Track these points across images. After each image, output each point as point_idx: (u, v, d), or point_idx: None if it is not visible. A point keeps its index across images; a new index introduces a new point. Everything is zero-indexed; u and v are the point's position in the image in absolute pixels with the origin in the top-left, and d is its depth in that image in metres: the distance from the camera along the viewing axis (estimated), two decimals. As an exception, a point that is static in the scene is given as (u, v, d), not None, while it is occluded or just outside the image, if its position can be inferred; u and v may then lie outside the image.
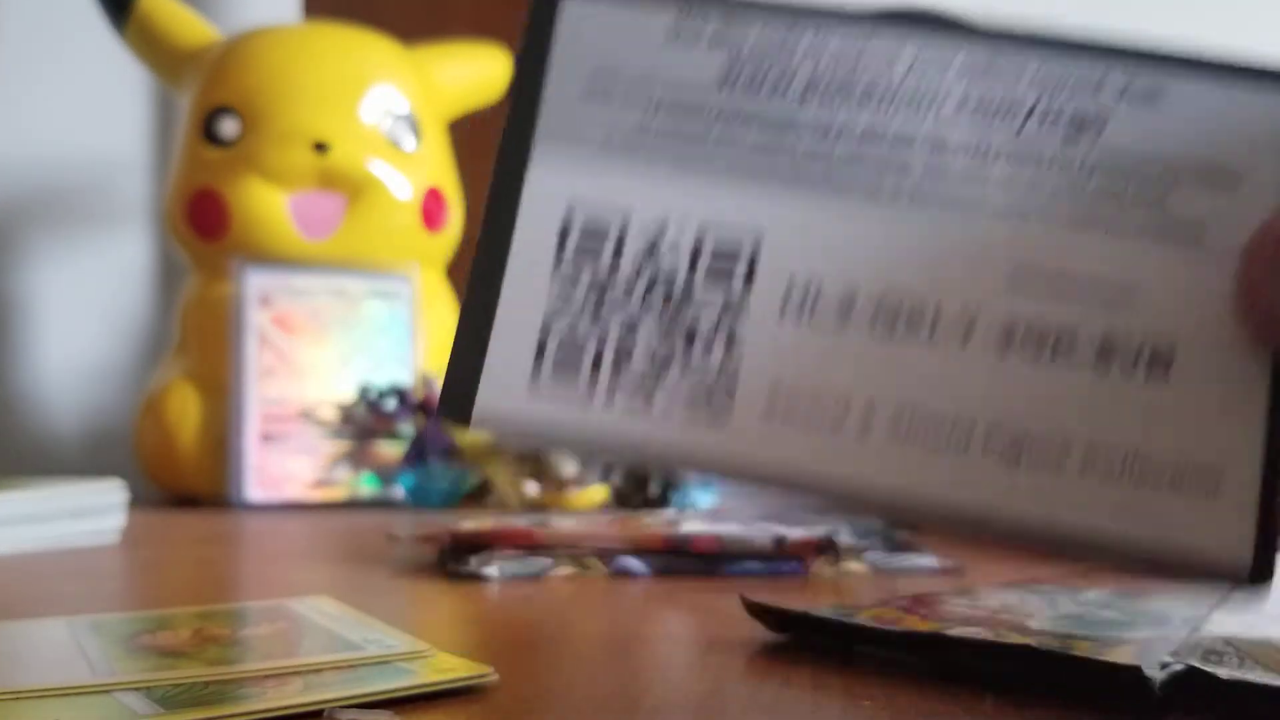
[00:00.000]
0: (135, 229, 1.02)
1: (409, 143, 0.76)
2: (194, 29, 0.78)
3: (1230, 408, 0.17)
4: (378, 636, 0.25)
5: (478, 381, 0.20)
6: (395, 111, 0.76)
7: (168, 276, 1.02)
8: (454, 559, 0.38)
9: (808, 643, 0.26)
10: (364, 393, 0.71)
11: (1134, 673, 0.20)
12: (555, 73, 0.21)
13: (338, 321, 0.72)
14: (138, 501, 0.67)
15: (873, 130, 0.19)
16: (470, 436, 0.73)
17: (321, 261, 0.73)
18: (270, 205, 0.72)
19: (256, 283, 0.70)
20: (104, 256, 1.00)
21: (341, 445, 0.70)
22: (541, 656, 0.26)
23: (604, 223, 0.19)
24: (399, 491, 0.69)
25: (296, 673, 0.22)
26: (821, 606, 0.26)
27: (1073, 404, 0.17)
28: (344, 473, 0.70)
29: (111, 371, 0.99)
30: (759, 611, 0.27)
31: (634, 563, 0.37)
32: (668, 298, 0.19)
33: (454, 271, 0.84)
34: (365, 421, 0.71)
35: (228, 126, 0.73)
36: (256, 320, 0.69)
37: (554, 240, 0.19)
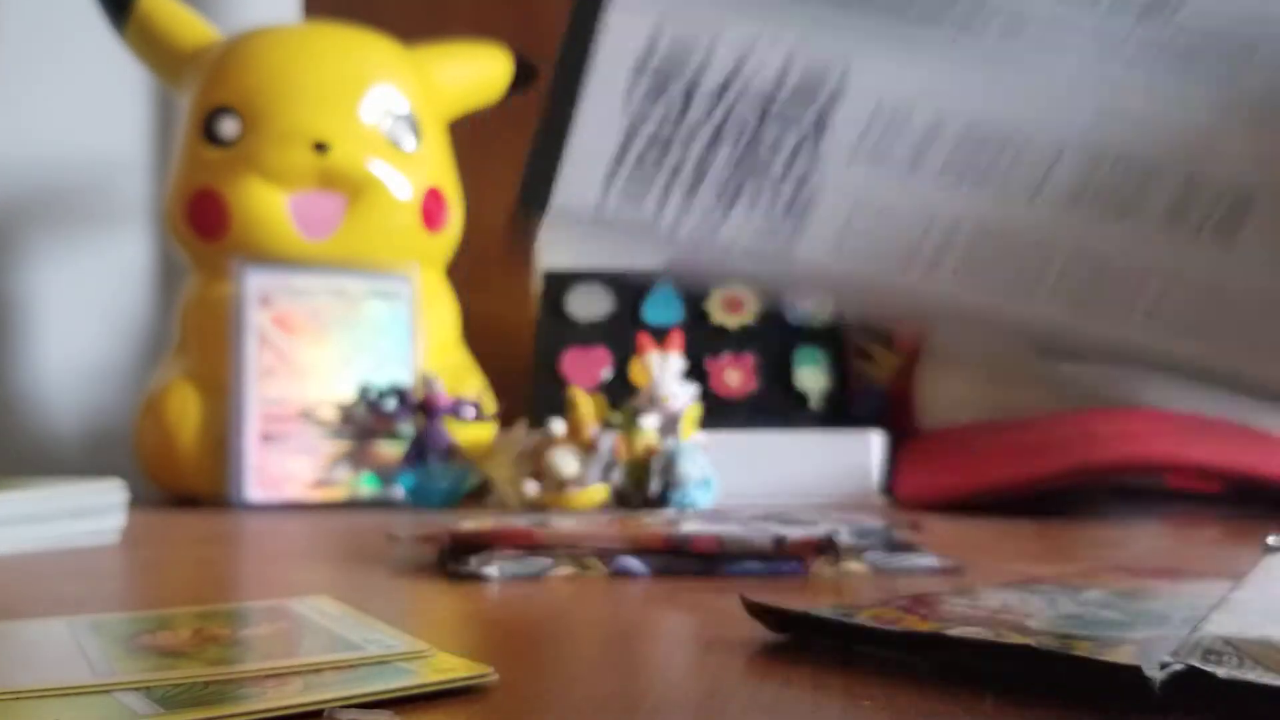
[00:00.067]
0: (135, 229, 1.02)
1: (409, 143, 0.76)
2: (194, 29, 0.78)
3: None
4: (378, 636, 0.25)
5: (558, 175, 0.20)
6: (395, 111, 0.76)
7: (168, 276, 1.02)
8: (454, 559, 0.38)
9: (808, 643, 0.26)
10: (364, 393, 0.71)
11: (1134, 673, 0.20)
12: None
13: (338, 321, 0.72)
14: (138, 501, 0.67)
15: None
16: (470, 437, 0.73)
17: (321, 261, 0.73)
18: (270, 205, 0.72)
19: (256, 283, 0.70)
20: (104, 256, 1.00)
21: (341, 445, 0.70)
22: (541, 656, 0.26)
23: (691, 38, 0.19)
24: (399, 491, 0.69)
25: (296, 673, 0.22)
26: (821, 606, 0.26)
27: (1150, 244, 0.18)
28: (344, 473, 0.70)
29: (112, 371, 0.99)
30: (759, 611, 0.27)
31: (634, 563, 0.37)
32: (751, 115, 0.19)
33: (453, 271, 0.84)
34: (365, 421, 0.71)
35: (228, 126, 0.73)
36: (256, 320, 0.69)
37: (641, 49, 0.19)
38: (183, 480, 0.71)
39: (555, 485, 0.61)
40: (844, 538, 0.36)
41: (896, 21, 0.19)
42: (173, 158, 0.77)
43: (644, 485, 0.60)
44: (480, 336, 0.86)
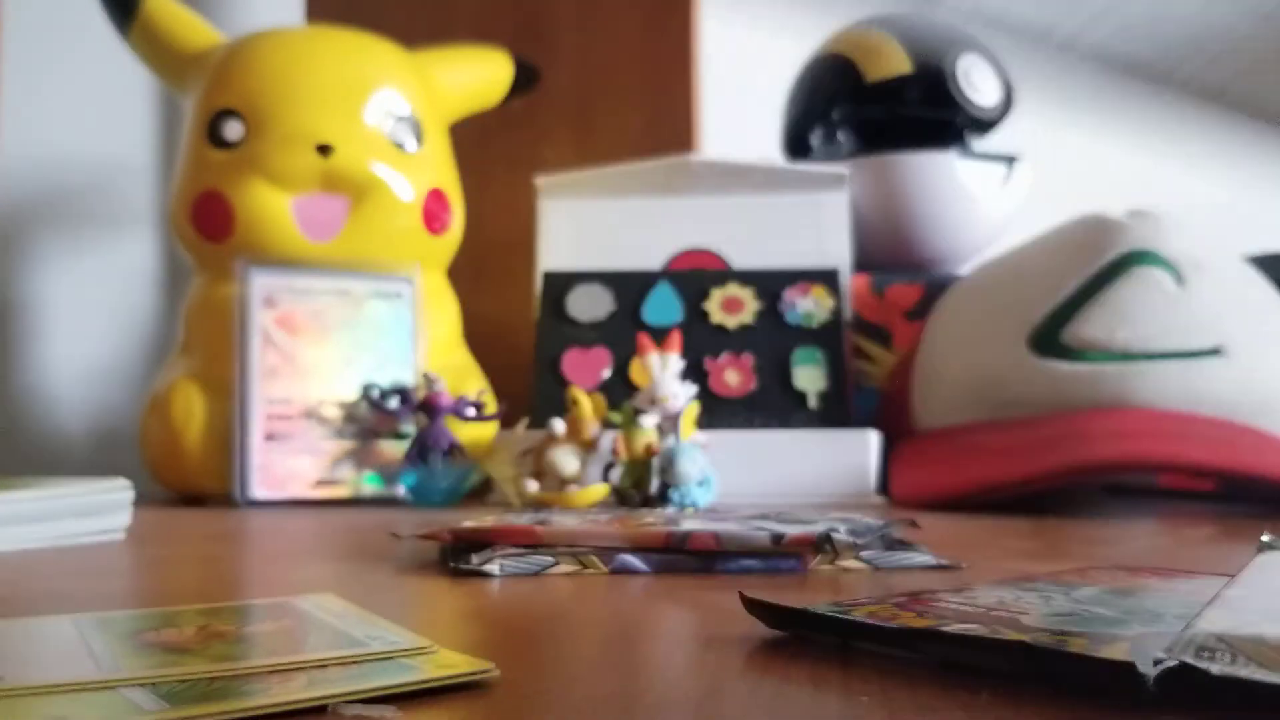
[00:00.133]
0: (141, 231, 1.03)
1: (411, 145, 0.76)
2: (197, 32, 0.78)
3: None
4: (381, 633, 0.25)
5: None
6: (398, 114, 0.76)
7: (173, 278, 1.02)
8: (456, 556, 0.38)
9: (806, 639, 0.26)
10: (367, 392, 0.71)
11: (1128, 669, 0.20)
12: None
13: (341, 322, 0.72)
14: (144, 500, 0.68)
15: None
16: (471, 436, 0.73)
17: (325, 262, 0.73)
18: (274, 207, 0.72)
19: (260, 284, 0.70)
20: (110, 258, 1.01)
21: (344, 444, 0.70)
22: (543, 652, 0.26)
23: None
24: (401, 490, 0.69)
25: (301, 669, 0.22)
26: (819, 603, 0.26)
27: None
28: (347, 471, 0.70)
29: (118, 371, 0.99)
30: (757, 608, 0.27)
31: (634, 560, 0.37)
32: None
33: (455, 272, 0.84)
34: (368, 421, 0.71)
35: (232, 129, 0.73)
36: (261, 320, 0.69)
37: None
38: (188, 479, 0.71)
39: (556, 484, 0.62)
40: (841, 535, 0.36)
41: None
42: (177, 160, 0.77)
43: (644, 484, 0.60)
44: (481, 336, 0.86)
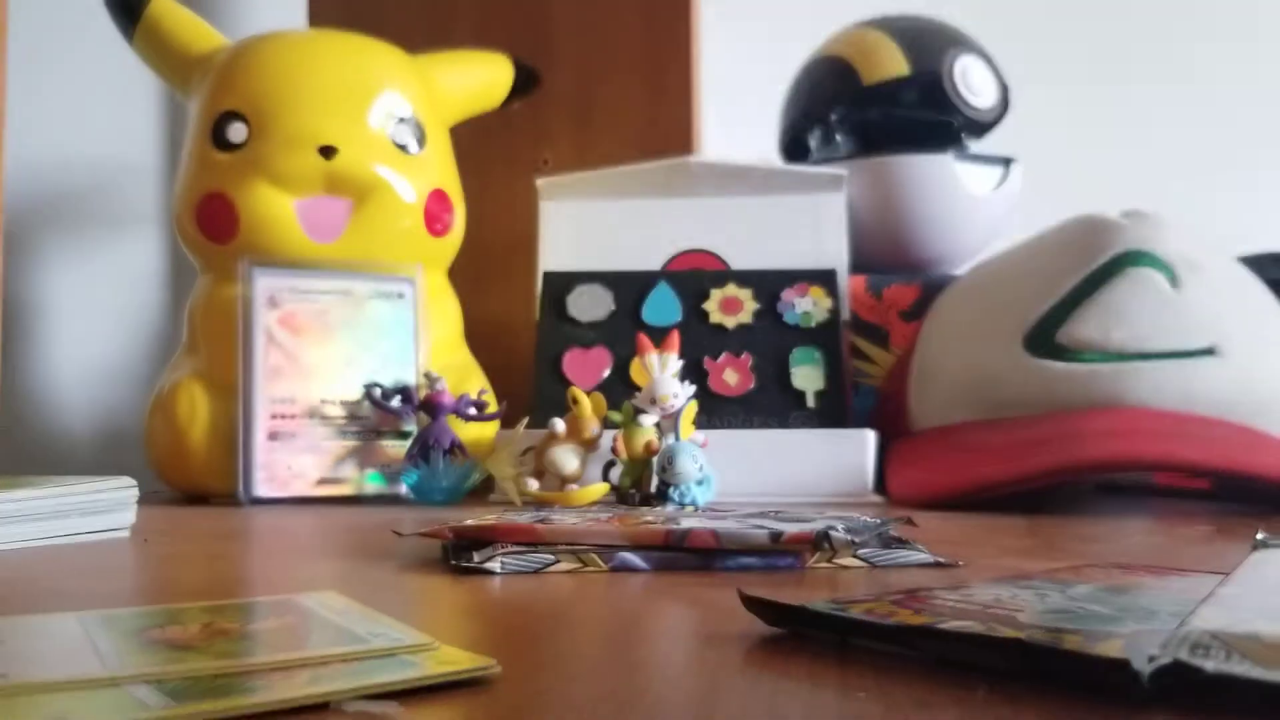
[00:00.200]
0: (145, 232, 1.03)
1: (413, 147, 0.77)
2: (202, 35, 0.79)
3: None
4: (383, 630, 0.25)
5: None
6: (400, 117, 0.76)
7: (178, 278, 1.02)
8: (457, 554, 0.38)
9: (804, 636, 0.26)
10: (369, 392, 0.71)
11: (1122, 666, 0.20)
12: None
13: (343, 322, 0.72)
14: (148, 499, 0.68)
15: None
16: (472, 435, 0.74)
17: (328, 263, 0.73)
18: (277, 208, 0.72)
19: (264, 284, 0.70)
20: (115, 259, 1.01)
21: (347, 443, 0.70)
22: (543, 649, 0.27)
23: None
24: (403, 488, 0.69)
25: (304, 666, 0.22)
26: (817, 601, 0.26)
27: None
28: (350, 470, 0.70)
29: (123, 371, 1.00)
30: (756, 606, 0.27)
31: (634, 558, 0.38)
32: None
33: (456, 273, 0.84)
34: (370, 420, 0.71)
35: (236, 131, 0.73)
36: (264, 321, 0.70)
37: None
38: (192, 478, 0.71)
39: (556, 482, 0.62)
40: (839, 534, 0.36)
41: None
42: (181, 162, 0.77)
43: (643, 483, 0.60)
44: (482, 336, 0.86)
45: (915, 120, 0.92)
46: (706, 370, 0.73)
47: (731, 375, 0.73)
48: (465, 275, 0.86)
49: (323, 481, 0.69)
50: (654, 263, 0.82)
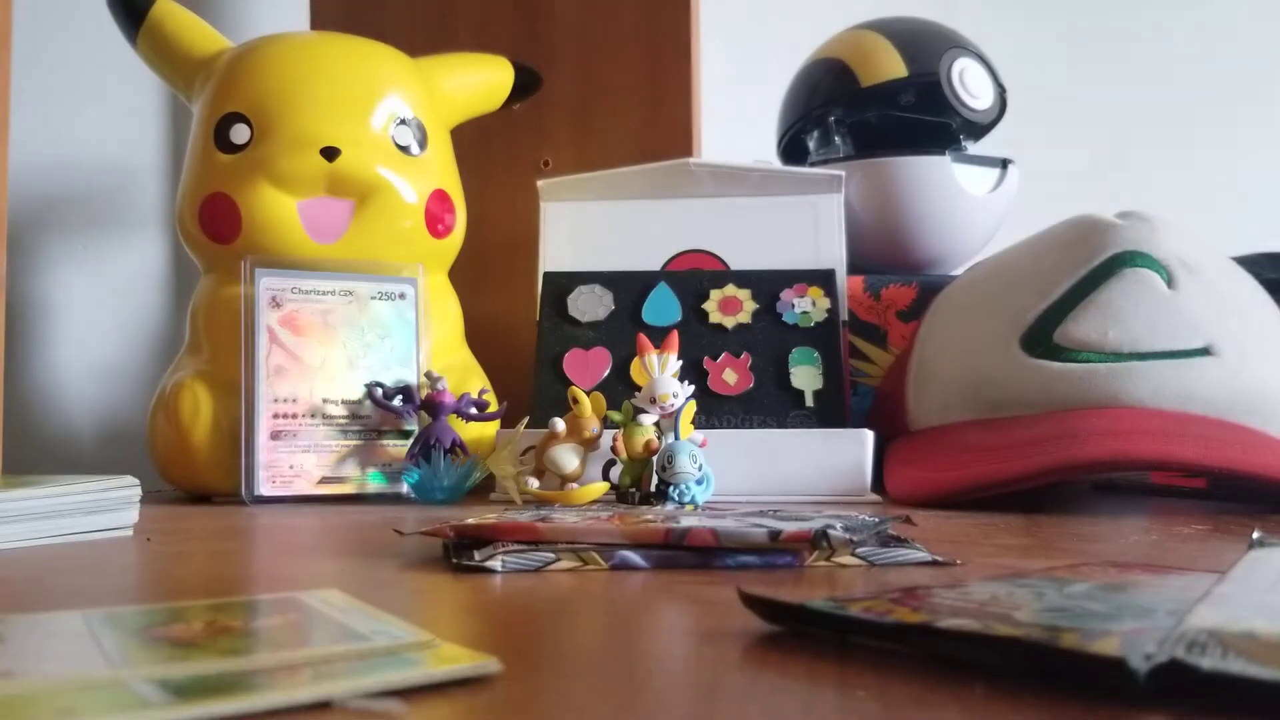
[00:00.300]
0: (149, 233, 1.03)
1: (415, 149, 0.77)
2: (205, 37, 0.79)
3: None
4: (385, 628, 0.25)
5: None
6: (401, 118, 0.77)
7: (181, 279, 1.02)
8: (458, 553, 0.38)
9: (802, 634, 0.27)
10: (371, 391, 0.71)
11: (1119, 664, 0.20)
12: None
13: (346, 322, 0.72)
14: (152, 497, 0.68)
15: None
16: (473, 434, 0.74)
17: (330, 264, 0.73)
18: (280, 209, 0.72)
19: (267, 284, 0.70)
20: (119, 260, 1.01)
21: (349, 442, 0.71)
22: (544, 647, 0.27)
23: None
24: (404, 487, 0.69)
25: (306, 663, 0.22)
26: (815, 599, 0.27)
27: None
28: (352, 469, 0.70)
29: (126, 371, 1.00)
30: (755, 604, 0.27)
31: (633, 557, 0.38)
32: None
33: (457, 273, 0.84)
34: (372, 419, 0.72)
35: (239, 133, 0.73)
36: (267, 321, 0.70)
37: None
38: (195, 476, 0.71)
39: (557, 481, 0.62)
40: (837, 532, 0.37)
41: None
42: (185, 163, 0.78)
43: (643, 482, 0.61)
44: (483, 337, 0.86)
45: (913, 122, 0.93)
46: (706, 370, 0.73)
47: (730, 375, 0.73)
48: (466, 276, 0.86)
49: (325, 480, 0.69)
50: (654, 263, 0.82)
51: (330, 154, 0.72)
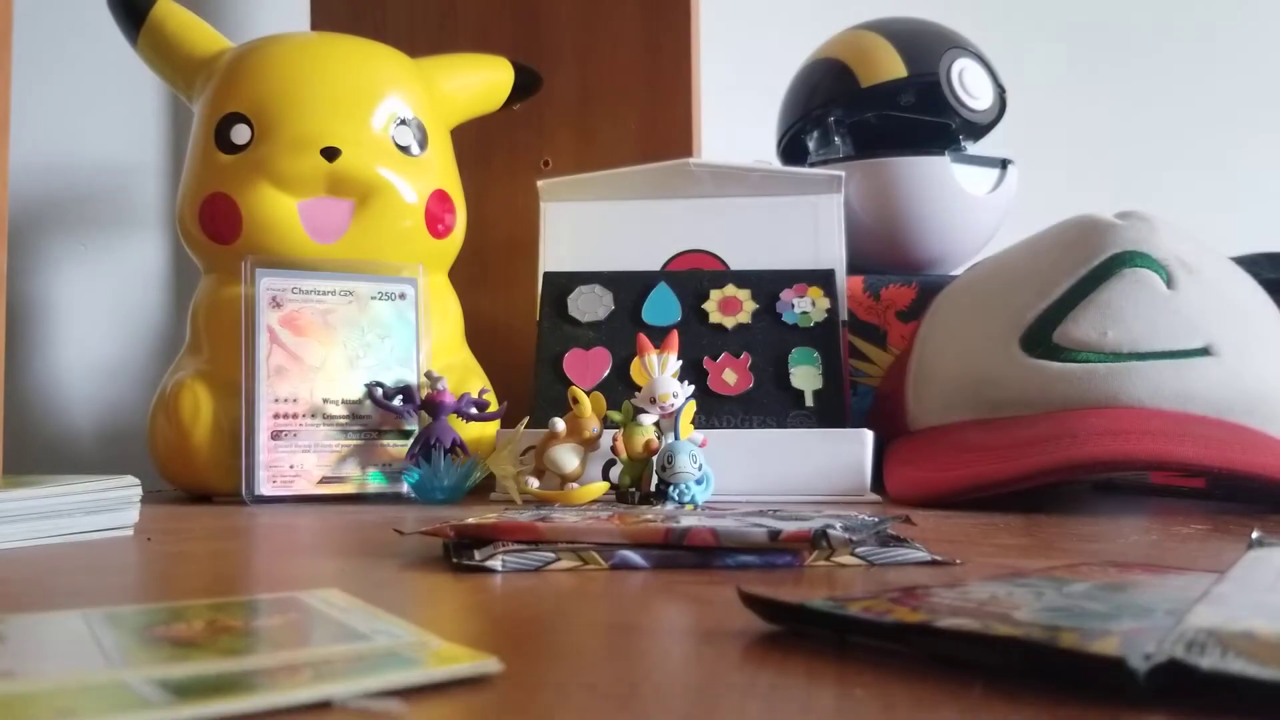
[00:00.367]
0: (149, 233, 1.03)
1: (415, 149, 0.77)
2: (206, 38, 0.79)
3: None
4: (385, 627, 0.25)
5: None
6: (402, 119, 0.77)
7: (181, 278, 1.03)
8: (459, 552, 0.39)
9: (802, 634, 0.27)
10: (371, 391, 0.71)
11: (1118, 663, 0.20)
12: None
13: (346, 322, 0.72)
14: (152, 497, 0.68)
15: None
16: (473, 434, 0.74)
17: (330, 264, 0.73)
18: (280, 210, 0.73)
19: (267, 285, 0.70)
20: (119, 259, 1.02)
21: (349, 442, 0.71)
22: (544, 646, 0.27)
23: None
24: (405, 487, 0.69)
25: (306, 663, 0.22)
26: (815, 598, 0.27)
27: None
28: (352, 469, 0.70)
29: (126, 371, 1.00)
30: (754, 603, 0.27)
31: (633, 556, 0.38)
32: None
33: (457, 273, 0.84)
34: (372, 419, 0.72)
35: (239, 133, 0.74)
36: (267, 321, 0.70)
37: None
38: (195, 476, 0.71)
39: (557, 481, 0.62)
40: (837, 532, 0.37)
41: None
42: (185, 164, 0.78)
43: (643, 481, 0.61)
44: (484, 336, 0.87)
45: (913, 122, 0.93)
46: (706, 370, 0.73)
47: (730, 375, 0.73)
48: (466, 276, 0.86)
49: (325, 480, 0.69)
50: (654, 263, 0.82)
51: (330, 154, 0.72)
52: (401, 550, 0.44)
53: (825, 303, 0.76)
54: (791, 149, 1.00)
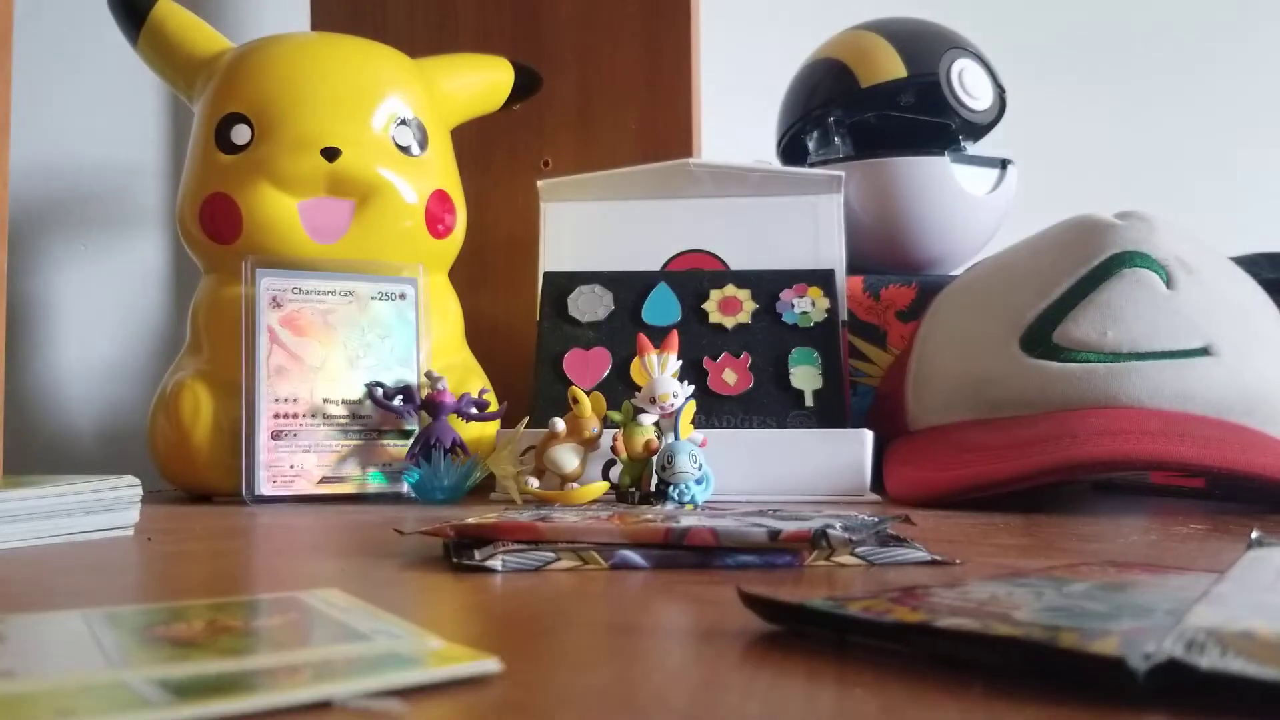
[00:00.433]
0: (150, 233, 1.03)
1: (416, 150, 0.77)
2: (206, 38, 0.79)
3: None
4: (385, 627, 0.25)
5: None
6: (402, 119, 0.77)
7: (181, 279, 1.03)
8: (459, 552, 0.39)
9: (801, 633, 0.27)
10: (371, 391, 0.71)
11: (1118, 663, 0.20)
12: None
13: (346, 322, 0.72)
14: (152, 497, 0.68)
15: None
16: (473, 434, 0.74)
17: (330, 264, 0.73)
18: (281, 210, 0.73)
19: (267, 285, 0.70)
20: (120, 259, 1.02)
21: (350, 442, 0.71)
22: (544, 646, 0.27)
23: None
24: (405, 487, 0.69)
25: (307, 663, 0.22)
26: (815, 598, 0.27)
27: None
28: (352, 469, 0.70)
29: (126, 371, 1.00)
30: (754, 603, 0.27)
31: (633, 556, 0.38)
32: None
33: (457, 273, 0.84)
34: (373, 419, 0.72)
35: (240, 133, 0.74)
36: (267, 321, 0.70)
37: None
38: (196, 476, 0.71)
39: (557, 481, 0.62)
40: (837, 532, 0.37)
41: None
42: (186, 164, 0.78)
43: (643, 481, 0.61)
44: (484, 336, 0.87)
45: (912, 122, 0.93)
46: (706, 370, 0.73)
47: (730, 375, 0.73)
48: (466, 276, 0.86)
49: (325, 480, 0.69)
50: (654, 263, 0.82)
51: (331, 154, 0.72)
52: (401, 550, 0.44)
53: (825, 303, 0.76)
54: (791, 149, 1.00)
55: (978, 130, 0.95)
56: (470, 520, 0.40)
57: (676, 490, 0.56)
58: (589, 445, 0.63)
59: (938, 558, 0.39)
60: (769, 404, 0.72)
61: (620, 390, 0.71)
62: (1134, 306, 0.62)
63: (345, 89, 0.75)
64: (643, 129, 0.93)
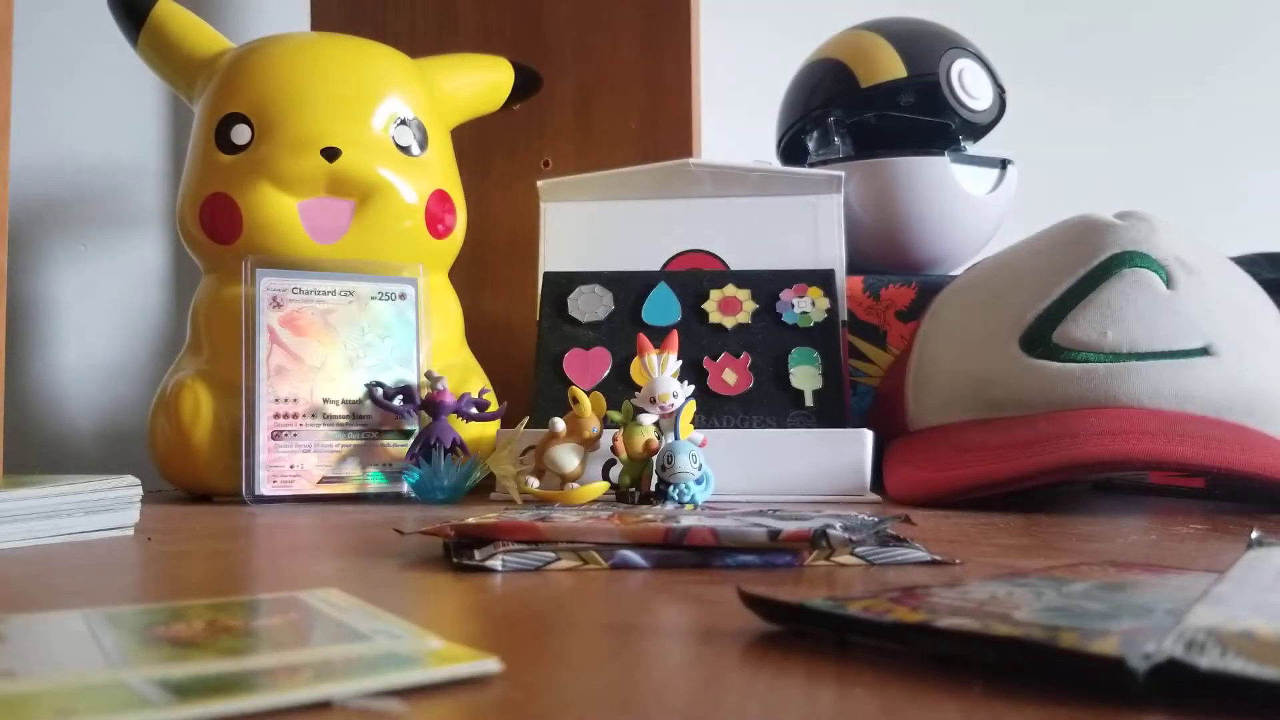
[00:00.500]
0: (150, 233, 1.03)
1: (416, 150, 0.77)
2: (206, 38, 0.79)
3: None
4: (385, 627, 0.25)
5: None
6: (402, 119, 0.77)
7: (181, 279, 1.03)
8: (459, 552, 0.39)
9: (801, 633, 0.27)
10: (371, 391, 0.71)
11: (1118, 663, 0.20)
12: None
13: (346, 322, 0.72)
14: (152, 497, 0.68)
15: None
16: (473, 434, 0.74)
17: (330, 264, 0.73)
18: (281, 210, 0.73)
19: (267, 285, 0.70)
20: (120, 259, 1.02)
21: (350, 442, 0.71)
22: (544, 646, 0.27)
23: None
24: (405, 487, 0.69)
25: (307, 663, 0.22)
26: (815, 598, 0.27)
27: None
28: (352, 469, 0.70)
29: (126, 371, 1.00)
30: (754, 603, 0.27)
31: (633, 556, 0.38)
32: None
33: (457, 273, 0.84)
34: (373, 419, 0.72)
35: (240, 133, 0.74)
36: (267, 321, 0.70)
37: None
38: (196, 476, 0.71)
39: (557, 481, 0.62)
40: (837, 532, 0.37)
41: None
42: (186, 164, 0.78)
43: (643, 481, 0.61)
44: (484, 336, 0.87)
45: (912, 122, 0.93)
46: (706, 370, 0.73)
47: (730, 375, 0.73)
48: (467, 276, 0.86)
49: (325, 480, 0.69)
50: (654, 263, 0.82)
51: (331, 154, 0.72)
52: (401, 550, 0.44)
53: (825, 303, 0.76)
54: (791, 149, 1.00)
55: (978, 130, 0.95)
56: (470, 520, 0.40)
57: (676, 490, 0.56)
58: (589, 445, 0.63)
59: (938, 558, 0.39)
60: (769, 404, 0.72)
61: (620, 390, 0.71)
62: (1134, 306, 0.62)
63: (345, 89, 0.75)
64: (643, 129, 0.93)
